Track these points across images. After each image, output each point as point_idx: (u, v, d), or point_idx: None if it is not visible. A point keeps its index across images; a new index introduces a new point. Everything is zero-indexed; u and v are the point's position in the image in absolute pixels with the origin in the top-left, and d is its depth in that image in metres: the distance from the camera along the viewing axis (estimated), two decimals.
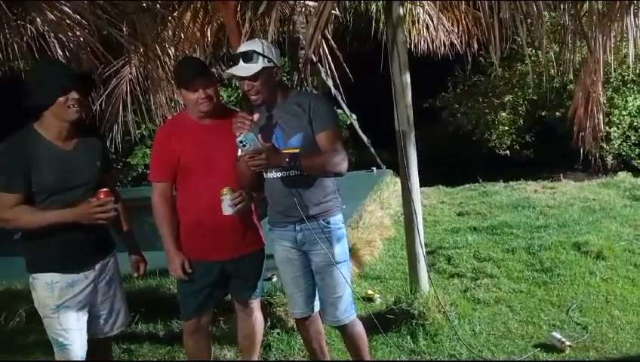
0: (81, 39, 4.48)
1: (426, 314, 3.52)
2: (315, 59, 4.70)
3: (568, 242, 5.12)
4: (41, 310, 2.38)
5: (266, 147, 2.32)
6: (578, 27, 4.24)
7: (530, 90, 11.16)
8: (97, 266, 2.44)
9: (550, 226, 5.87)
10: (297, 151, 2.41)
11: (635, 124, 10.70)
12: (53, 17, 4.38)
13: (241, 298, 2.85)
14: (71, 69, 2.59)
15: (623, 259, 4.77)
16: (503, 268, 4.71)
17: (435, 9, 7.10)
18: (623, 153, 10.86)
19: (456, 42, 7.67)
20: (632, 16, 4.01)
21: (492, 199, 7.53)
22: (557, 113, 10.58)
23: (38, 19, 4.72)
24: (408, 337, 3.48)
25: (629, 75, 9.86)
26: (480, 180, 8.93)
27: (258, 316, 2.92)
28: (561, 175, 10.26)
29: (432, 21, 7.39)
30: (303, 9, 5.72)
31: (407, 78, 3.58)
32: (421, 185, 3.87)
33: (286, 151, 2.40)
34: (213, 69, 5.39)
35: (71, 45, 4.67)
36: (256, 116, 2.41)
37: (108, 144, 6.23)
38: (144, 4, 4.64)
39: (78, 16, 4.35)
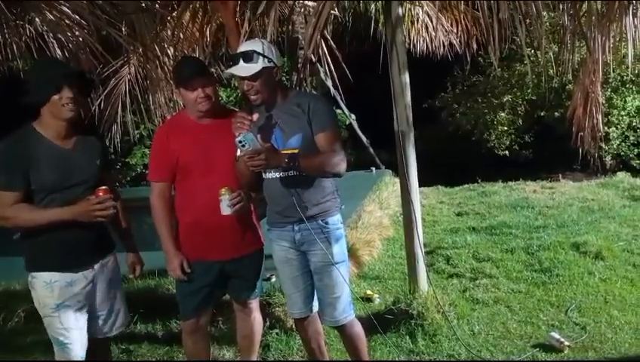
0: (80, 39, 4.48)
1: (424, 315, 3.52)
2: (314, 59, 4.69)
3: (567, 242, 5.12)
4: (41, 309, 2.38)
5: (265, 147, 2.32)
6: (577, 27, 4.24)
7: (529, 91, 11.18)
8: (96, 266, 2.44)
9: (549, 226, 5.88)
10: (296, 151, 2.41)
11: (634, 124, 10.72)
12: (52, 17, 4.38)
13: (240, 298, 2.85)
14: (67, 67, 2.57)
15: (621, 259, 4.78)
16: (502, 269, 4.71)
17: (434, 9, 7.09)
18: (622, 153, 10.88)
19: (455, 42, 7.67)
20: (630, 17, 4.01)
21: (491, 199, 7.54)
22: (556, 113, 10.59)
23: (37, 19, 4.72)
24: (407, 337, 3.48)
25: (627, 76, 9.87)
26: (479, 180, 8.94)
27: (257, 316, 2.92)
28: (560, 175, 10.29)
29: (431, 21, 7.38)
30: (302, 9, 5.71)
31: (407, 78, 3.58)
32: (420, 186, 3.87)
33: (285, 152, 2.40)
34: (213, 69, 5.40)
35: (70, 45, 4.67)
36: (255, 116, 2.41)
37: (107, 144, 6.22)
38: (143, 4, 4.64)
39: (77, 16, 4.35)
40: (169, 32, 5.13)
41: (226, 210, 2.44)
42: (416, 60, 6.98)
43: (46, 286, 2.32)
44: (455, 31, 7.43)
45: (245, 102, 2.70)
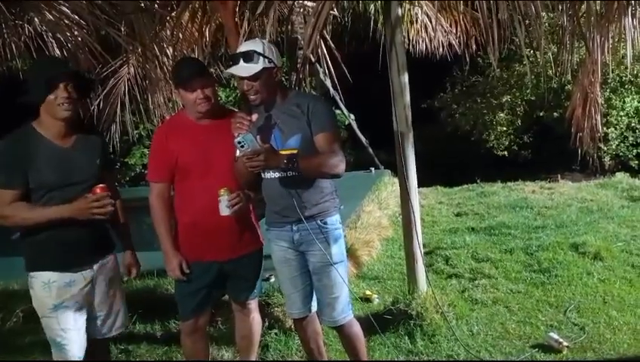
0: (79, 39, 4.48)
1: (423, 315, 3.52)
2: (313, 60, 4.69)
3: (566, 243, 5.12)
4: (39, 309, 2.38)
5: (264, 148, 2.32)
6: (576, 28, 4.24)
7: (528, 91, 11.18)
8: (95, 266, 2.43)
9: (548, 227, 5.88)
10: (295, 152, 2.41)
11: (633, 124, 10.72)
12: (51, 17, 4.37)
13: (240, 298, 2.84)
14: (65, 66, 2.55)
15: (620, 259, 4.78)
16: (501, 269, 4.71)
17: (434, 9, 7.10)
18: (621, 154, 10.88)
19: (454, 43, 7.69)
20: (629, 17, 4.02)
21: (490, 199, 7.54)
22: (555, 114, 10.60)
23: (36, 19, 4.71)
24: (406, 337, 3.48)
25: (626, 76, 9.88)
26: (478, 181, 8.94)
27: (256, 316, 2.91)
28: (559, 175, 10.29)
29: (431, 22, 7.40)
30: (302, 9, 5.72)
31: (406, 78, 3.58)
32: (419, 186, 3.87)
33: (284, 153, 2.40)
34: (212, 69, 5.40)
35: (69, 45, 4.67)
36: (254, 117, 2.41)
37: (107, 143, 6.22)
38: (142, 4, 4.63)
39: (76, 16, 4.35)
40: (168, 32, 5.12)
41: (225, 210, 2.44)
42: (416, 61, 7.00)
43: (44, 287, 2.32)
44: (454, 31, 7.44)
45: (244, 102, 2.70)
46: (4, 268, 4.07)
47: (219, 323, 3.66)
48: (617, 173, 9.36)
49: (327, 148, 2.45)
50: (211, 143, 2.55)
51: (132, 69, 6.14)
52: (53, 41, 4.91)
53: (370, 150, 9.36)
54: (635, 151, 10.87)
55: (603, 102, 8.41)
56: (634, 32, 4.10)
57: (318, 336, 2.86)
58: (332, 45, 5.37)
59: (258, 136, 2.36)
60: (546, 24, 7.63)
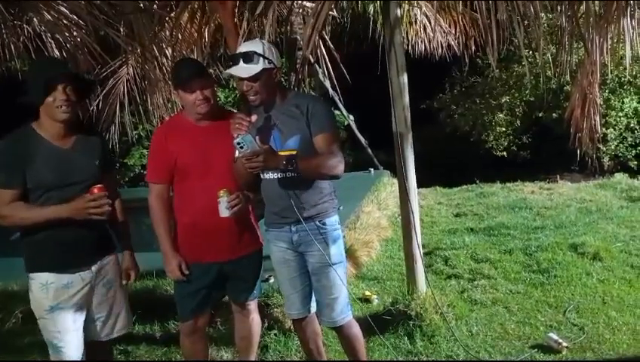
0: (78, 39, 4.47)
1: (423, 315, 3.53)
2: (312, 60, 4.70)
3: (565, 243, 5.12)
4: (36, 311, 2.38)
5: (263, 149, 2.32)
6: (575, 29, 4.24)
7: (527, 92, 11.18)
8: (94, 267, 2.43)
9: (547, 227, 5.89)
10: (294, 153, 2.41)
11: (632, 125, 10.73)
12: (50, 17, 4.37)
13: (239, 299, 2.84)
14: (65, 67, 2.55)
15: (619, 260, 4.78)
16: (500, 269, 4.71)
17: (433, 10, 7.11)
18: (620, 154, 10.89)
19: (453, 43, 7.69)
20: (628, 18, 4.02)
21: (489, 200, 7.54)
22: (554, 114, 10.60)
23: (35, 20, 4.70)
24: (405, 338, 3.48)
25: (625, 77, 9.89)
26: (477, 181, 8.94)
27: (255, 317, 2.91)
28: (558, 176, 10.29)
29: (430, 22, 7.40)
30: (301, 10, 5.72)
31: (405, 79, 3.58)
32: (418, 186, 3.87)
33: (283, 154, 2.40)
34: (211, 70, 5.40)
35: (68, 45, 4.66)
36: (254, 117, 2.40)
37: (108, 144, 6.22)
38: (141, 5, 4.63)
39: (75, 17, 4.35)
40: (167, 33, 5.12)
41: (224, 211, 2.44)
42: (415, 61, 6.99)
43: (42, 288, 2.32)
44: (453, 32, 7.45)
45: (244, 103, 2.70)
46: (3, 269, 4.07)
47: (218, 324, 3.66)
48: (616, 174, 9.36)
49: (327, 149, 2.45)
50: (210, 144, 2.54)
51: (131, 70, 6.14)
52: (52, 42, 4.90)
53: (370, 151, 9.36)
54: (633, 151, 10.88)
55: (602, 103, 8.41)
56: (633, 33, 4.10)
57: (318, 337, 2.86)
58: (331, 46, 5.38)
59: (257, 137, 2.36)
60: (545, 25, 7.63)
